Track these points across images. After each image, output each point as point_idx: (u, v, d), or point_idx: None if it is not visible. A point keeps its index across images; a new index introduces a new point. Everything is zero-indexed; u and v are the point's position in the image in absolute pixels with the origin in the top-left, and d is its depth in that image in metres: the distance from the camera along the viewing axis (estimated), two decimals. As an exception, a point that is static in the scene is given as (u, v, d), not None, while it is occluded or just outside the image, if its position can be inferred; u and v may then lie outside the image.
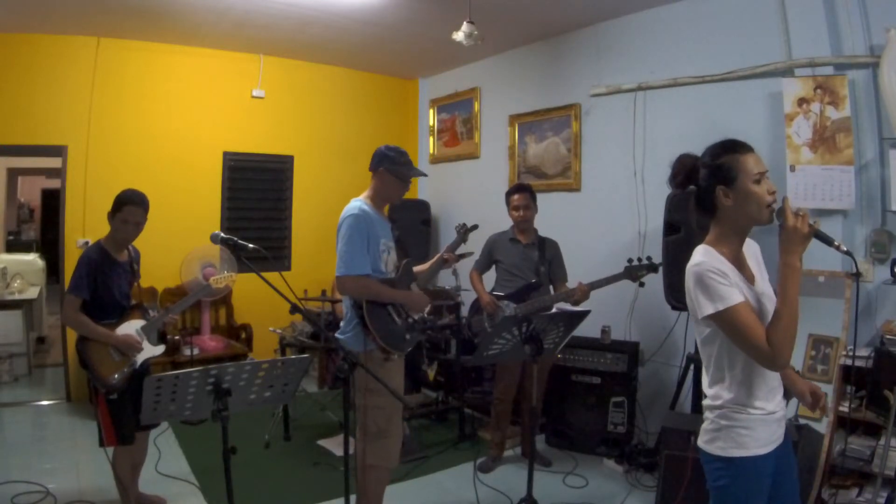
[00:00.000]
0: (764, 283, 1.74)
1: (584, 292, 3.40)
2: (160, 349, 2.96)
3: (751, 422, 1.63)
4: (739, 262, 1.69)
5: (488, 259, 3.84)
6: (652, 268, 3.38)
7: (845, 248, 1.60)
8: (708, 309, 1.58)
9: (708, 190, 1.67)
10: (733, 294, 1.56)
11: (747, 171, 1.61)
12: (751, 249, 1.77)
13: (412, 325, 2.70)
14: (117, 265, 2.85)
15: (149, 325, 2.91)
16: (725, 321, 1.57)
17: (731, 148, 1.65)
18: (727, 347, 1.63)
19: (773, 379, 1.68)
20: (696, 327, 1.71)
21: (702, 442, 1.72)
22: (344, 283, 2.54)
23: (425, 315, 2.82)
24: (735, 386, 1.64)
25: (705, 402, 1.74)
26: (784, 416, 1.72)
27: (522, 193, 3.73)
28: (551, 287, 3.74)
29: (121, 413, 2.75)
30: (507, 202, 3.79)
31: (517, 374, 3.66)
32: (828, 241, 1.60)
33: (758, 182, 1.61)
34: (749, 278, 1.69)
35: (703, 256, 1.63)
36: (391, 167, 2.66)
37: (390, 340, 2.57)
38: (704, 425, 1.72)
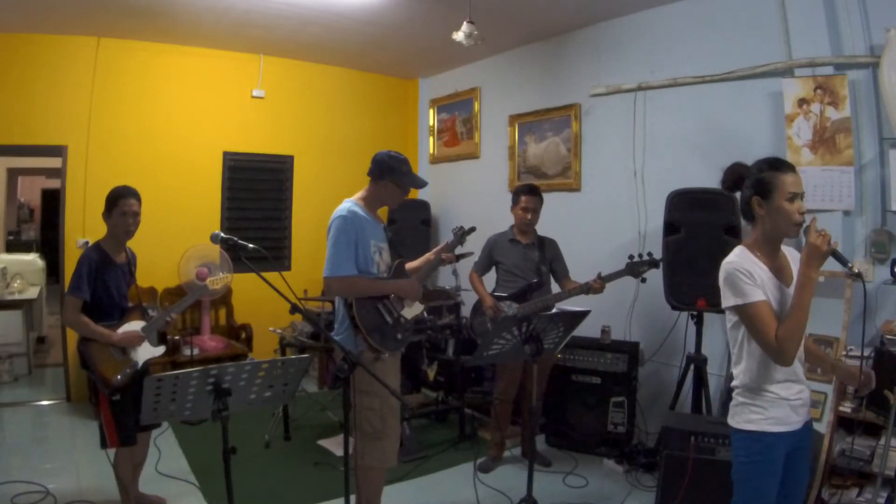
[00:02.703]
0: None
1: (601, 286, 3.37)
2: (160, 350, 2.96)
3: (764, 402, 1.86)
4: (777, 266, 1.91)
5: (488, 260, 3.82)
6: (654, 263, 3.36)
7: (857, 270, 1.81)
8: (729, 301, 1.85)
9: (747, 198, 1.91)
10: (754, 292, 1.80)
11: (783, 188, 1.82)
12: (793, 256, 1.98)
13: (404, 325, 2.69)
14: (116, 266, 2.85)
15: (149, 325, 2.90)
16: (743, 314, 1.83)
17: (775, 165, 1.87)
18: (747, 336, 1.87)
19: (790, 369, 1.84)
20: (727, 314, 1.95)
21: (728, 418, 1.96)
22: (330, 284, 2.54)
23: (423, 313, 2.80)
24: (753, 370, 1.87)
25: (733, 382, 1.97)
26: (803, 405, 1.90)
27: (534, 196, 3.70)
28: (556, 285, 3.73)
29: (123, 414, 2.75)
30: (515, 200, 3.74)
31: (518, 373, 3.65)
32: (843, 262, 1.80)
33: (791, 200, 1.82)
34: (786, 282, 1.90)
35: (736, 256, 1.88)
36: (397, 179, 2.65)
37: (380, 340, 2.57)
38: (731, 403, 1.96)
